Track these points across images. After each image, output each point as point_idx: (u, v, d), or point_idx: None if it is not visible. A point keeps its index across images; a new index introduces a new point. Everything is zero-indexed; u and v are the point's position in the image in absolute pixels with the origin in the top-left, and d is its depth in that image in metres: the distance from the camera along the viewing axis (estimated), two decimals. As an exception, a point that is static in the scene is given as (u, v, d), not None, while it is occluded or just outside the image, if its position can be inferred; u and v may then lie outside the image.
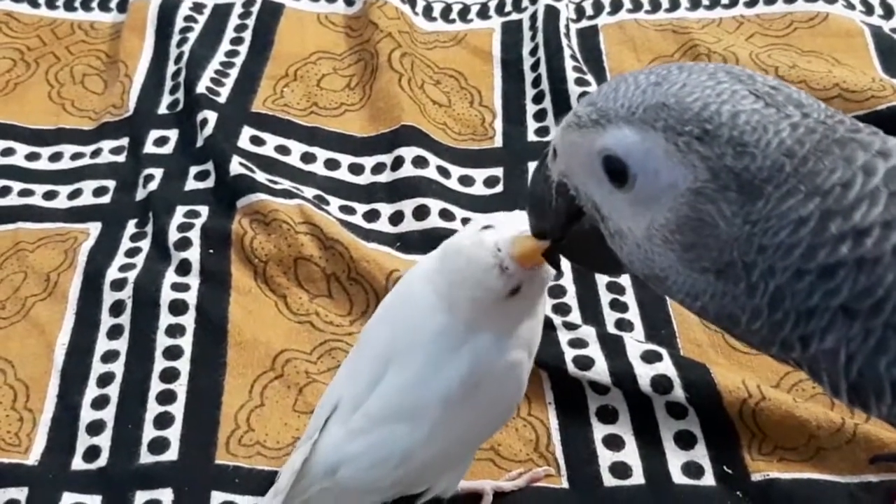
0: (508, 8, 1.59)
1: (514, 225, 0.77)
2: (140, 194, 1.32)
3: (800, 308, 0.54)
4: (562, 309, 1.16)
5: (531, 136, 1.39)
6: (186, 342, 1.13)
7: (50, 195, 1.34)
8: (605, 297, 1.17)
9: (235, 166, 1.29)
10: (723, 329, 0.61)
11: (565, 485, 1.00)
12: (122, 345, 1.14)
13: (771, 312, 0.55)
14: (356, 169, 1.35)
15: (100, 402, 1.08)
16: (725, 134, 0.54)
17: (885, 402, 0.55)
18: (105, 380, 1.11)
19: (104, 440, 1.05)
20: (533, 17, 1.54)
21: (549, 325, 1.09)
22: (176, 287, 1.18)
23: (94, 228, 1.29)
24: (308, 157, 1.37)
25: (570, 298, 1.17)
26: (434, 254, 0.84)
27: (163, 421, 1.06)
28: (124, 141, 1.41)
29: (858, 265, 0.52)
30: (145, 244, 1.26)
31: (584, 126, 0.60)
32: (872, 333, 0.53)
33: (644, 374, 1.04)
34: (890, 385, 0.54)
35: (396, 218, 1.27)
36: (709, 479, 0.99)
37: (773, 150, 0.54)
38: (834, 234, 0.53)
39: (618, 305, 1.16)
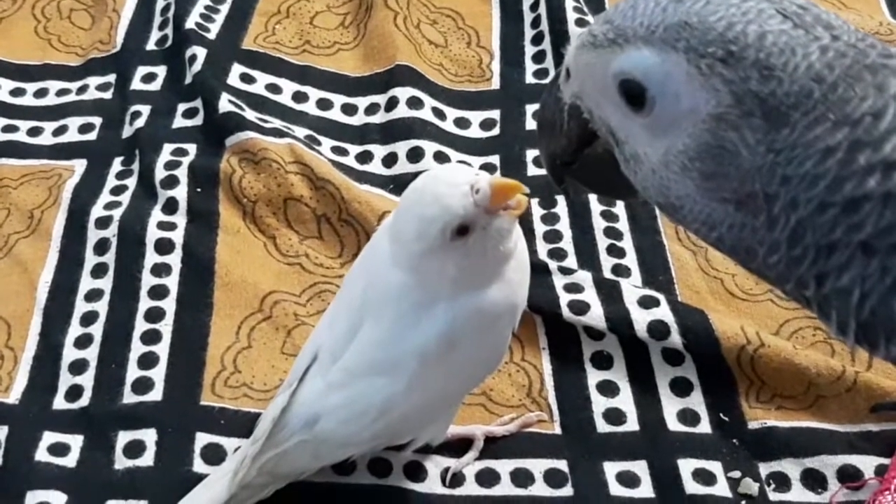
0: (508, -54, 1.55)
1: None
2: (127, 131, 1.29)
3: (820, 243, 0.52)
4: (558, 254, 1.13)
5: (529, 79, 1.36)
6: (172, 282, 1.11)
7: (34, 131, 1.31)
8: (602, 243, 1.14)
9: (225, 104, 1.26)
10: (737, 262, 0.58)
11: (558, 430, 0.99)
12: (106, 283, 1.11)
13: (790, 247, 0.53)
14: (349, 109, 1.32)
15: (83, 342, 1.06)
16: (751, 56, 0.51)
17: None
18: (89, 319, 1.08)
19: (87, 380, 1.03)
20: (533, -44, 1.50)
21: (544, 270, 1.07)
22: (162, 226, 1.15)
23: (80, 165, 1.26)
24: (300, 97, 1.33)
25: (567, 243, 1.15)
26: None
27: (147, 361, 1.04)
28: (111, 77, 1.38)
29: (885, 200, 0.50)
30: (131, 182, 1.23)
31: (599, 46, 0.57)
32: (889, 272, 0.51)
33: (641, 319, 1.02)
34: None
35: (390, 160, 1.24)
36: (705, 427, 0.98)
37: (801, 74, 0.51)
38: (862, 166, 0.50)
39: (615, 251, 1.14)
